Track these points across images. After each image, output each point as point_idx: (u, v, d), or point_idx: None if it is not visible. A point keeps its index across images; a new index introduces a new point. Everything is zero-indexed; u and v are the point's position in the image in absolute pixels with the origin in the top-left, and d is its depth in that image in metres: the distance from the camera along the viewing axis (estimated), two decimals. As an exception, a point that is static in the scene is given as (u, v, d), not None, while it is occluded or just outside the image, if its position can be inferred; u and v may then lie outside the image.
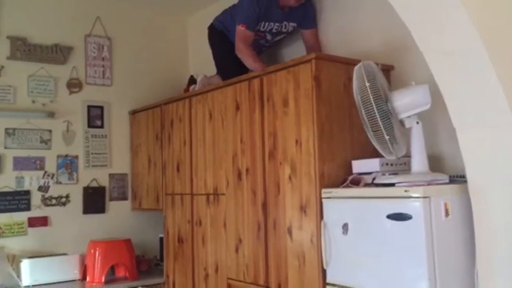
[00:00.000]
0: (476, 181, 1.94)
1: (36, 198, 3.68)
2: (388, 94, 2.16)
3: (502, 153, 1.85)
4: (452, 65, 1.88)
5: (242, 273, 2.84)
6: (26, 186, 3.65)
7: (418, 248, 1.92)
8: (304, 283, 2.44)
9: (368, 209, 2.14)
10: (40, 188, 3.71)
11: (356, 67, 2.17)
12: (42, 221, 3.68)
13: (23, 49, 3.71)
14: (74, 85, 3.92)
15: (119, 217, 4.02)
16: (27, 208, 3.64)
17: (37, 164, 3.71)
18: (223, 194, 3.03)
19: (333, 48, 3.07)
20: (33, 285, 3.41)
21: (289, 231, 2.54)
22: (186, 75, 4.32)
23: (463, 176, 2.08)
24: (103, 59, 4.07)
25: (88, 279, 3.53)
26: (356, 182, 2.31)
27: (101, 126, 4.01)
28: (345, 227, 2.22)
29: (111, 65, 4.10)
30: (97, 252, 3.54)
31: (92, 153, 3.95)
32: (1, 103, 3.60)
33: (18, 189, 3.62)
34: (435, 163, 2.41)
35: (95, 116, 4.00)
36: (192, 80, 4.09)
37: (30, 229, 3.63)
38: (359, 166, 2.42)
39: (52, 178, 3.76)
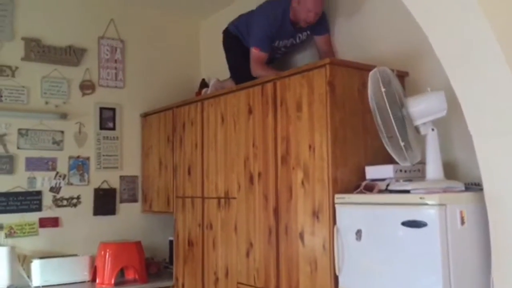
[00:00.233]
0: (493, 190, 1.91)
1: (47, 198, 3.71)
2: (403, 100, 2.15)
3: (520, 161, 1.83)
4: (469, 71, 1.86)
5: (253, 278, 2.83)
6: (38, 187, 3.68)
7: (433, 255, 1.90)
8: (315, 289, 2.43)
9: (383, 216, 2.12)
10: (51, 189, 3.73)
11: (371, 72, 2.16)
12: (53, 222, 3.70)
13: (37, 50, 3.74)
14: (87, 87, 3.94)
15: (129, 219, 4.03)
16: (39, 208, 3.66)
17: (49, 165, 3.73)
18: (234, 198, 3.02)
19: (346, 54, 3.06)
20: (43, 286, 3.42)
21: (301, 236, 2.53)
22: (197, 78, 4.33)
23: (478, 184, 2.07)
24: (115, 61, 4.09)
25: (98, 280, 3.54)
26: (369, 188, 2.29)
27: (113, 128, 4.03)
28: (358, 233, 2.20)
29: (124, 68, 4.12)
30: (107, 254, 3.55)
31: (103, 155, 3.96)
32: (15, 104, 3.63)
33: (30, 190, 3.64)
34: (449, 170, 2.39)
35: (107, 118, 4.01)
36: (204, 84, 4.10)
37: (41, 230, 3.65)
38: (372, 172, 2.40)
39: (63, 179, 3.78)
